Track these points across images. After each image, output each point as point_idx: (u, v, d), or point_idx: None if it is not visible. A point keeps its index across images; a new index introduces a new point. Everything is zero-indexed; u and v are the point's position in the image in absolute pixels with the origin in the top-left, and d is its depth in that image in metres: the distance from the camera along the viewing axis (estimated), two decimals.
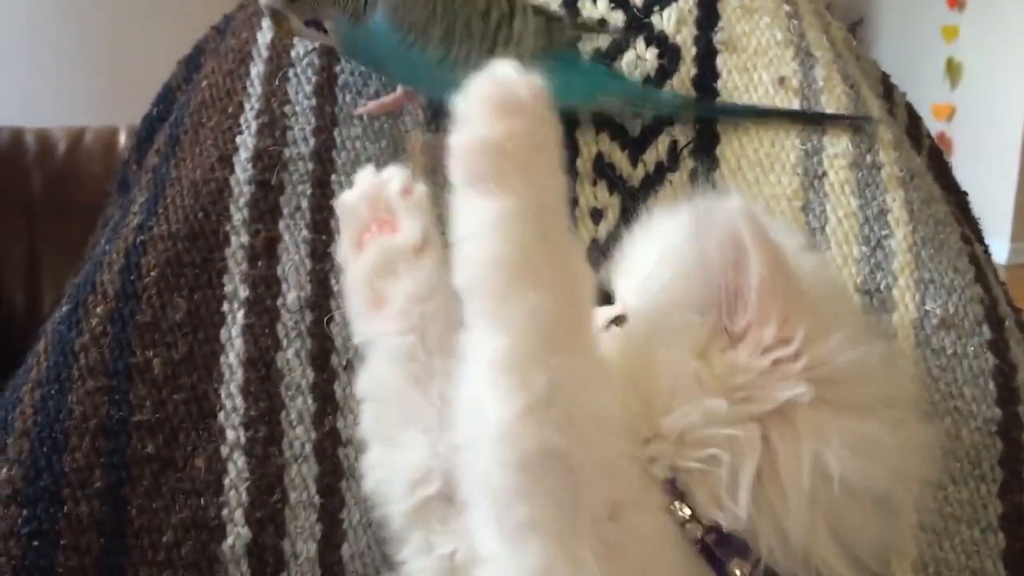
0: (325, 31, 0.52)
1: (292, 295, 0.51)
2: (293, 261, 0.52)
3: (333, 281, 0.52)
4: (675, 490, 0.37)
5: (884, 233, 0.52)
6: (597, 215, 0.56)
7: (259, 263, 0.52)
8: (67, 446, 0.48)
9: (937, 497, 0.48)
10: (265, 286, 0.51)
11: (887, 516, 0.39)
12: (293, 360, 0.50)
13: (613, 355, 0.39)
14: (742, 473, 0.36)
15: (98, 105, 1.39)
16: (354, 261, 0.45)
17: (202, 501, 0.47)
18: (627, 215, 0.56)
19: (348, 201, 0.46)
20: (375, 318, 0.44)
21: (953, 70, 1.75)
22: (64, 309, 0.51)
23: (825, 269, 0.44)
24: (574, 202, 0.56)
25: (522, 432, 0.34)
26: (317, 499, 0.48)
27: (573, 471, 0.34)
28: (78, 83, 1.42)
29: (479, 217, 0.35)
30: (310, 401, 0.50)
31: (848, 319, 0.40)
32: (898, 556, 0.45)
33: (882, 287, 0.51)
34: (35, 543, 0.46)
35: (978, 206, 0.64)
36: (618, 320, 0.43)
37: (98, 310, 0.50)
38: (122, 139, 1.04)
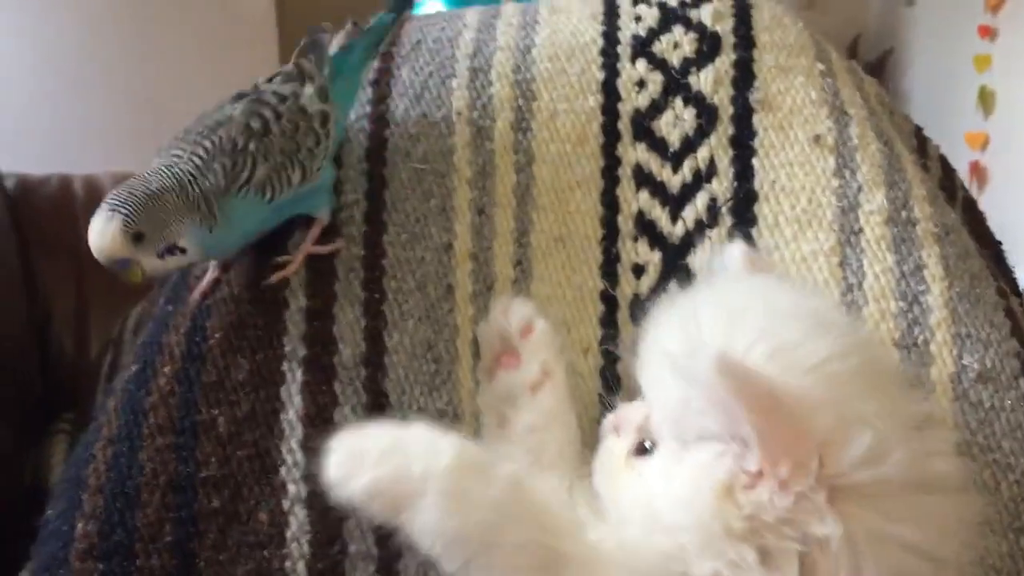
0: (183, 250, 0.50)
1: (347, 352, 0.55)
2: (348, 320, 0.55)
3: (386, 338, 0.55)
4: None
5: (921, 288, 0.55)
6: (639, 270, 0.59)
7: (315, 323, 0.55)
8: (139, 502, 0.51)
9: (984, 565, 0.50)
10: (321, 345, 0.55)
11: None
12: (350, 415, 0.53)
13: (639, 492, 0.43)
14: None
15: (143, 150, 1.44)
16: (485, 386, 0.54)
17: (266, 553, 0.51)
18: (668, 270, 0.59)
19: (483, 332, 0.55)
20: (499, 436, 0.52)
21: (986, 99, 1.76)
22: (133, 369, 0.54)
23: (850, 336, 0.44)
24: (616, 258, 0.59)
25: None
26: (375, 550, 0.51)
27: None
28: (122, 128, 1.48)
29: None
30: None
31: (877, 398, 0.41)
32: None
33: (919, 342, 0.53)
34: None
35: (1013, 235, 0.66)
36: (640, 448, 0.46)
37: (166, 370, 0.54)
38: None
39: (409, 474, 0.41)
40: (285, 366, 0.54)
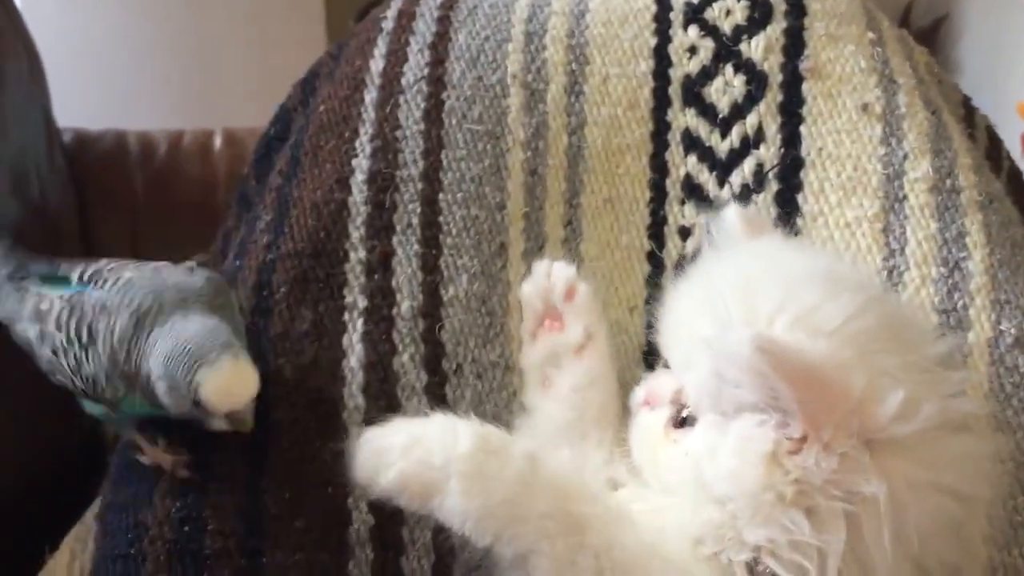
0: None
1: (406, 304, 0.58)
2: (406, 273, 0.59)
3: (442, 291, 0.59)
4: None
5: (962, 255, 0.57)
6: (685, 233, 0.62)
7: (375, 276, 0.59)
8: (213, 445, 0.55)
9: (1007, 507, 0.53)
10: (381, 296, 0.58)
11: (961, 536, 0.44)
12: (408, 364, 0.57)
13: (683, 463, 0.46)
14: (830, 567, 0.42)
15: (193, 108, 1.49)
16: (529, 348, 0.57)
17: (329, 491, 0.55)
18: None
19: (526, 294, 0.58)
20: (544, 396, 0.56)
21: None
22: None
23: (863, 292, 0.47)
24: (663, 220, 0.62)
25: None
26: None
27: None
28: (174, 86, 1.52)
29: None
30: (424, 402, 0.57)
31: (899, 349, 0.44)
32: (968, 565, 0.49)
33: (959, 307, 0.56)
34: (185, 528, 0.54)
35: None
36: (679, 419, 0.48)
37: None
38: (217, 142, 1.12)
39: (431, 463, 0.44)
40: (346, 316, 0.58)
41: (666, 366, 0.52)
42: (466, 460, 0.44)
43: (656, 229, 0.63)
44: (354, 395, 0.57)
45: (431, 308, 0.59)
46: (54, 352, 0.54)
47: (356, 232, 0.60)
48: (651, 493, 0.50)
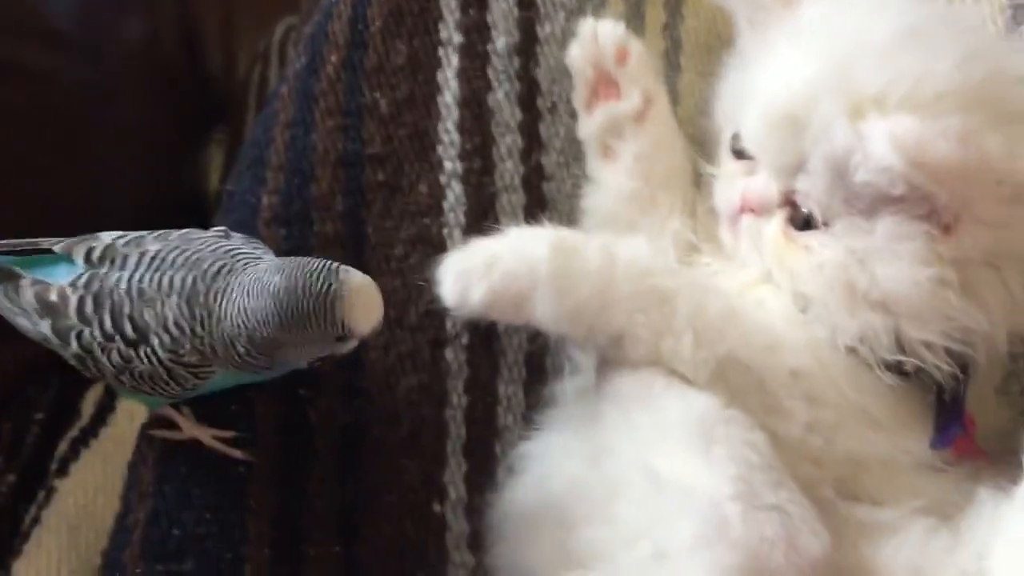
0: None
1: (501, 41, 0.60)
2: (501, 10, 0.60)
3: (539, 28, 0.60)
4: None
5: None
6: None
7: (471, 11, 0.60)
8: (313, 177, 0.59)
9: None
10: (477, 32, 0.60)
11: None
12: (503, 101, 0.60)
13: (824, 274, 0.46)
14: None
15: None
16: (585, 119, 0.56)
17: (426, 221, 0.59)
18: None
19: (575, 61, 0.56)
20: (606, 167, 0.55)
21: None
22: (303, 60, 0.61)
23: (954, 42, 0.46)
24: None
25: None
26: (524, 225, 0.58)
27: None
28: None
29: None
30: (518, 138, 0.59)
31: (1007, 88, 0.44)
32: None
33: None
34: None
35: None
36: (800, 221, 0.47)
37: (332, 58, 0.60)
38: None
39: (515, 273, 0.46)
40: (441, 52, 0.60)
41: (740, 156, 0.51)
42: (547, 263, 0.46)
43: None
44: (449, 130, 0.59)
45: (526, 45, 0.60)
46: (85, 350, 0.49)
47: None
48: (735, 267, 0.51)
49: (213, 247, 0.49)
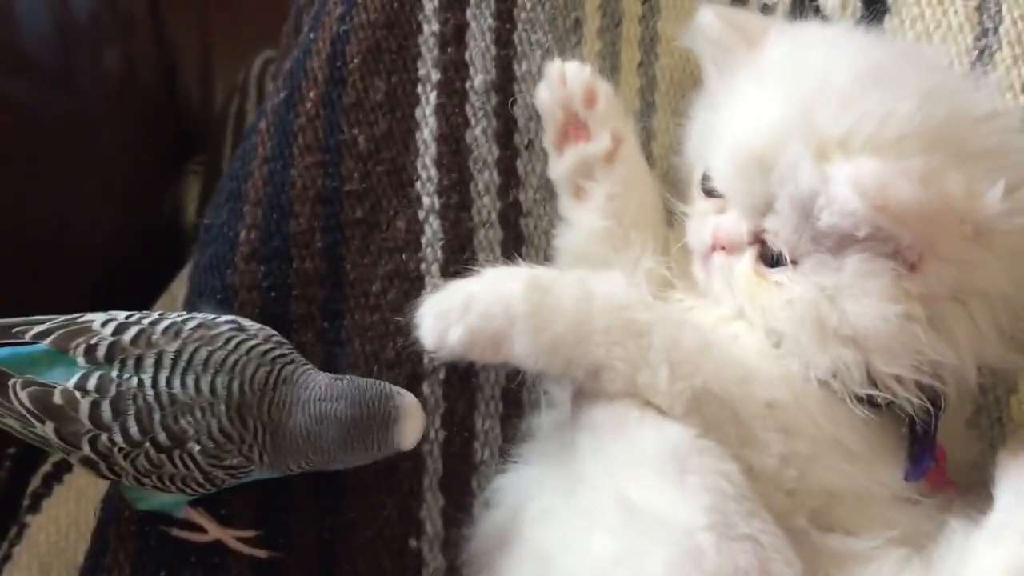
0: None
1: (479, 78, 0.61)
2: (479, 47, 0.61)
3: (516, 66, 0.61)
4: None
5: None
6: (766, 9, 0.62)
7: (449, 49, 0.61)
8: (292, 212, 0.60)
9: None
10: (455, 70, 0.61)
11: None
12: (480, 137, 0.61)
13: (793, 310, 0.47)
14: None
15: None
16: (555, 161, 0.57)
17: (403, 257, 0.59)
18: (795, 9, 0.62)
19: (544, 104, 0.57)
20: (578, 207, 0.56)
21: None
22: (282, 94, 0.62)
23: (916, 80, 0.47)
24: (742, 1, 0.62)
25: None
26: (501, 261, 0.60)
27: None
28: None
29: None
30: (495, 175, 0.60)
31: (971, 128, 0.46)
32: None
33: None
34: (272, 294, 0.59)
35: None
36: (770, 258, 0.49)
37: (311, 94, 0.61)
38: None
39: (492, 313, 0.47)
40: (419, 89, 0.61)
41: (710, 195, 0.52)
42: (523, 301, 0.47)
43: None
44: (427, 166, 0.60)
45: (504, 82, 0.61)
46: (101, 455, 0.48)
47: (429, 4, 0.62)
48: (708, 303, 0.52)
49: (246, 349, 0.50)
